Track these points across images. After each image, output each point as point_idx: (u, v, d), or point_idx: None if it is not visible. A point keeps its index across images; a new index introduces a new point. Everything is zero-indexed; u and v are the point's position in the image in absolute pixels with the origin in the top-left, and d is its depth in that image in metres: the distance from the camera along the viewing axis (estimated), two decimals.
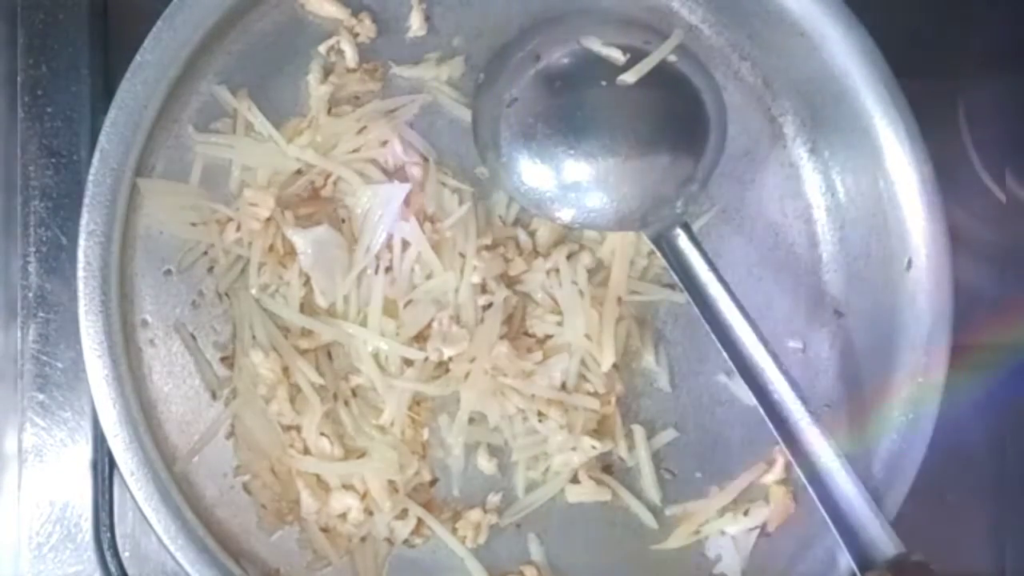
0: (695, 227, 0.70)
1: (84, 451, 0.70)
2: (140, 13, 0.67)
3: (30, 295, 0.69)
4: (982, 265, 0.78)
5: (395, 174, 0.70)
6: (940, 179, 0.69)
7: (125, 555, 0.70)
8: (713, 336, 0.67)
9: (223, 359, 0.69)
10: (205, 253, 0.69)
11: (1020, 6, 0.80)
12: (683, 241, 0.68)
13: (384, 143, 0.70)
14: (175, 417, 0.68)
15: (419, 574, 0.70)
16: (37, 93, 0.70)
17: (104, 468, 0.70)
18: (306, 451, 0.68)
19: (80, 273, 0.64)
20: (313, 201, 0.70)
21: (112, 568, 0.69)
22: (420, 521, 0.69)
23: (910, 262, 0.69)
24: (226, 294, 0.69)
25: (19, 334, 0.70)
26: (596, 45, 0.68)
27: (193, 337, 0.69)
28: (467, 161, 0.71)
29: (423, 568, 0.70)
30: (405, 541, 0.69)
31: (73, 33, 0.70)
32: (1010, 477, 0.78)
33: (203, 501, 0.68)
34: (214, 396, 0.69)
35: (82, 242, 0.64)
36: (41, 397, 0.70)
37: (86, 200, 0.65)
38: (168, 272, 0.68)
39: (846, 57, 0.68)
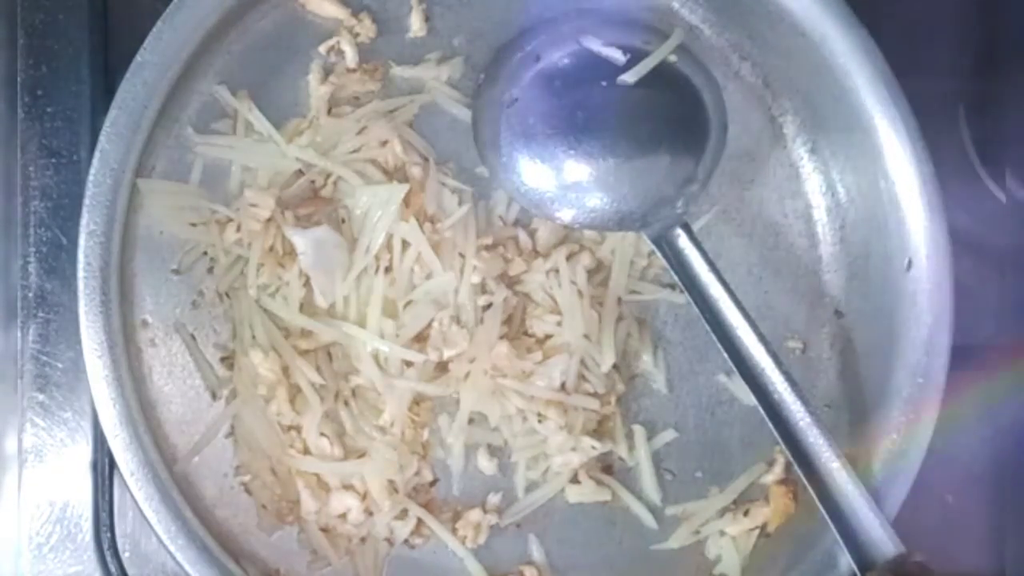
0: (695, 227, 0.70)
1: (84, 451, 0.70)
2: (140, 13, 0.67)
3: (30, 295, 0.69)
4: (982, 265, 0.78)
5: (395, 174, 0.70)
6: (940, 179, 0.69)
7: (125, 555, 0.70)
8: (713, 336, 0.67)
9: (223, 359, 0.69)
10: (205, 253, 0.69)
11: (1020, 6, 0.80)
12: (683, 241, 0.68)
13: (384, 143, 0.70)
14: (175, 417, 0.68)
15: (419, 574, 0.70)
16: (37, 93, 0.70)
17: (104, 468, 0.69)
18: (306, 451, 0.68)
19: (80, 273, 0.64)
20: (313, 201, 0.70)
21: (112, 568, 0.69)
22: (420, 521, 0.69)
23: (910, 262, 0.68)
24: (226, 294, 0.69)
25: (19, 334, 0.69)
26: (596, 45, 0.68)
27: (193, 337, 0.69)
28: (467, 161, 0.71)
29: (423, 568, 0.70)
30: (405, 541, 0.69)
31: (73, 33, 0.70)
32: (1010, 477, 0.78)
33: (203, 501, 0.68)
34: (214, 396, 0.69)
35: (82, 242, 0.64)
36: (41, 397, 0.69)
37: (86, 200, 0.64)
38: (168, 272, 0.68)
39: (847, 57, 0.68)
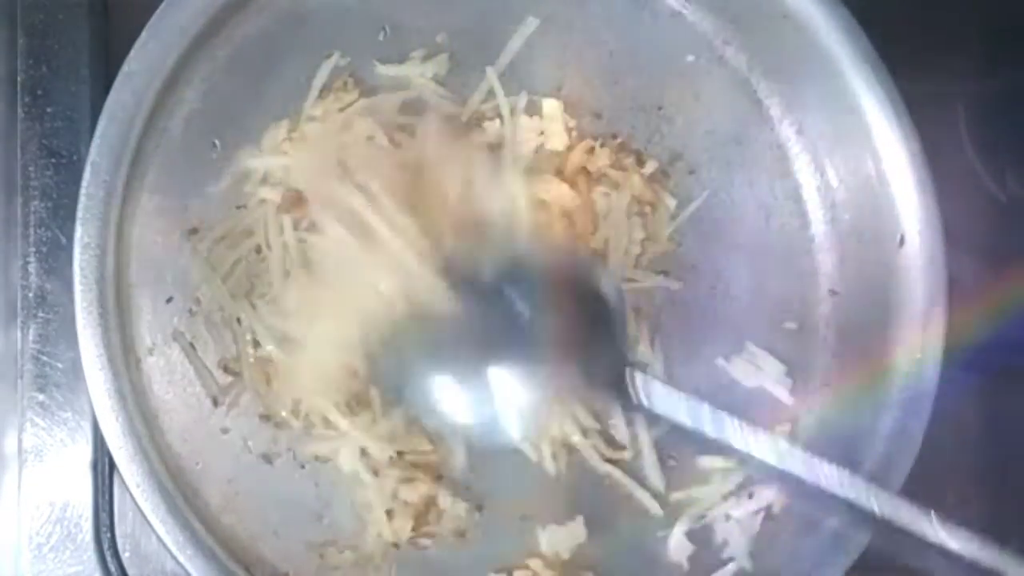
0: (687, 211, 0.71)
1: (84, 451, 0.70)
2: (140, 13, 0.67)
3: (30, 295, 0.70)
4: (982, 265, 0.78)
5: None
6: (940, 180, 0.69)
7: (125, 555, 0.69)
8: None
9: (223, 366, 0.69)
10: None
11: (1020, 6, 0.81)
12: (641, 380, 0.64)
13: (370, 138, 0.70)
14: (177, 426, 0.68)
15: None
16: (37, 93, 0.71)
17: (104, 468, 0.70)
18: None
19: (77, 287, 0.64)
20: (303, 204, 0.70)
21: (112, 568, 0.69)
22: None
23: (902, 238, 0.68)
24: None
25: (19, 334, 0.70)
26: None
27: (192, 346, 0.69)
28: None
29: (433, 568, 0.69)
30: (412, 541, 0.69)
31: (73, 33, 0.71)
32: (1010, 478, 0.78)
33: (209, 509, 0.67)
34: (215, 403, 0.69)
35: (77, 255, 0.65)
36: (41, 397, 0.70)
37: (79, 213, 0.65)
38: (164, 281, 0.69)
39: (829, 36, 0.69)
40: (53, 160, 0.71)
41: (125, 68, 0.66)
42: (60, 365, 0.70)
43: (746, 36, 0.73)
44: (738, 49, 0.74)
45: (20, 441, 0.69)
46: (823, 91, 0.71)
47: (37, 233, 0.70)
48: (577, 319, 0.65)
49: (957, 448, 0.75)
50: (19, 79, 0.70)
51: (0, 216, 0.70)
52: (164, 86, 0.68)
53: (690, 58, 0.73)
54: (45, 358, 0.70)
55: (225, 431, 0.68)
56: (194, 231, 0.69)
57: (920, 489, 0.66)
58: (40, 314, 0.70)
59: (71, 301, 0.65)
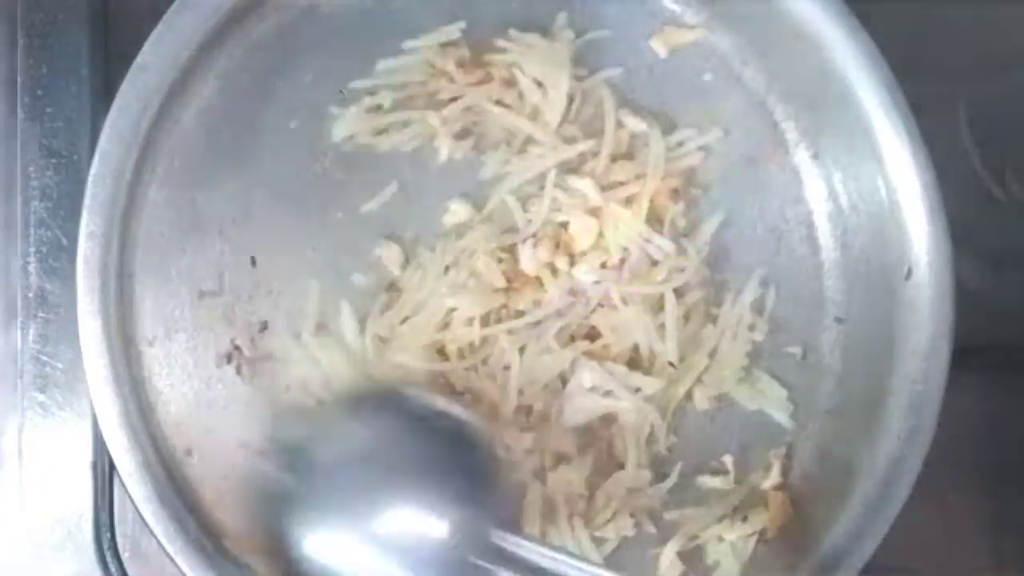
0: (697, 231, 0.71)
1: (84, 451, 0.70)
2: (140, 13, 0.66)
3: (30, 295, 0.69)
4: (982, 265, 0.78)
5: None
6: (940, 179, 0.69)
7: (125, 556, 0.70)
8: None
9: (221, 359, 0.68)
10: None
11: (1021, 6, 0.80)
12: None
13: None
14: (173, 419, 0.67)
15: None
16: (37, 93, 0.70)
17: (104, 468, 0.70)
18: None
19: (80, 275, 0.64)
20: None
21: (112, 568, 0.69)
22: None
23: (910, 271, 0.68)
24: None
25: (19, 334, 0.69)
26: None
27: (193, 338, 0.68)
28: None
29: None
30: None
31: (73, 33, 0.70)
32: (1010, 477, 0.79)
33: (202, 503, 0.67)
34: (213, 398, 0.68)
35: (82, 243, 0.64)
36: (41, 397, 0.70)
37: (86, 202, 0.64)
38: (168, 272, 0.68)
39: (849, 62, 0.68)
40: (53, 160, 0.69)
41: (139, 60, 0.65)
42: (60, 365, 0.70)
43: (765, 57, 0.72)
44: (756, 70, 0.73)
45: (20, 441, 0.69)
46: (840, 117, 0.70)
47: (37, 233, 0.69)
48: (451, 474, 0.65)
49: (957, 450, 0.76)
50: (19, 79, 0.69)
51: (0, 216, 0.69)
52: (178, 79, 0.66)
53: (707, 77, 0.72)
54: (45, 358, 0.69)
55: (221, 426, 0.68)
56: (199, 225, 0.68)
57: (920, 491, 0.68)
58: (40, 314, 0.69)
59: (71, 301, 0.64)
